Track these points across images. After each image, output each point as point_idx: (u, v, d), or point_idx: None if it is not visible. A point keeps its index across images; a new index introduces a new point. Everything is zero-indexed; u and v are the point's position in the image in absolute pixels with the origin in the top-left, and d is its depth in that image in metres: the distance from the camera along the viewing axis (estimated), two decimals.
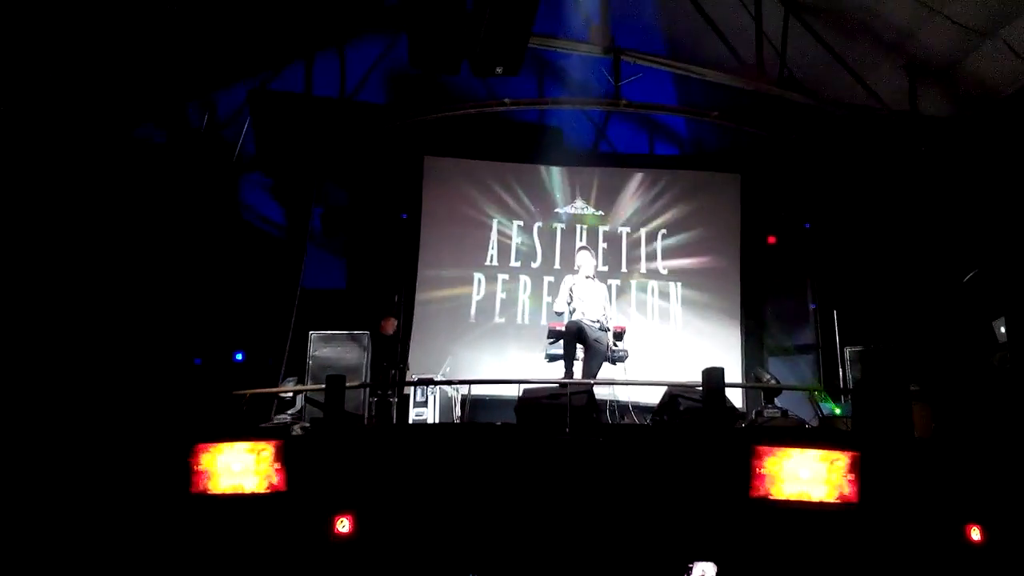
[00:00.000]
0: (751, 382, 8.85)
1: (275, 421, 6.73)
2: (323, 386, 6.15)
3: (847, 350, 7.10)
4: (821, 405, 7.54)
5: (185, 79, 8.31)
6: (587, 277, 7.35)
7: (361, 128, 8.71)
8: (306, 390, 6.86)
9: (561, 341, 7.19)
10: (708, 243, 9.93)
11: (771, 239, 9.98)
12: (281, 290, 8.55)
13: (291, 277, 8.60)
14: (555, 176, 10.04)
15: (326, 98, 8.54)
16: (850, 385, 6.81)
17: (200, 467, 5.60)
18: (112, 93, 7.57)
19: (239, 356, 8.71)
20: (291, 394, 7.10)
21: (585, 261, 7.45)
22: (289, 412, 6.93)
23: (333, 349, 7.09)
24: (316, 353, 7.07)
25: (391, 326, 8.05)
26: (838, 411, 7.36)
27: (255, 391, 6.90)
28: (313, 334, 7.16)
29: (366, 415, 6.95)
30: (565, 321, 7.18)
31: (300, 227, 9.20)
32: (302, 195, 9.26)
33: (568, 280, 7.37)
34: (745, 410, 8.16)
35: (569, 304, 7.20)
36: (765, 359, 9.59)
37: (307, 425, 6.45)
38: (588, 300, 7.21)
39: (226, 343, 8.54)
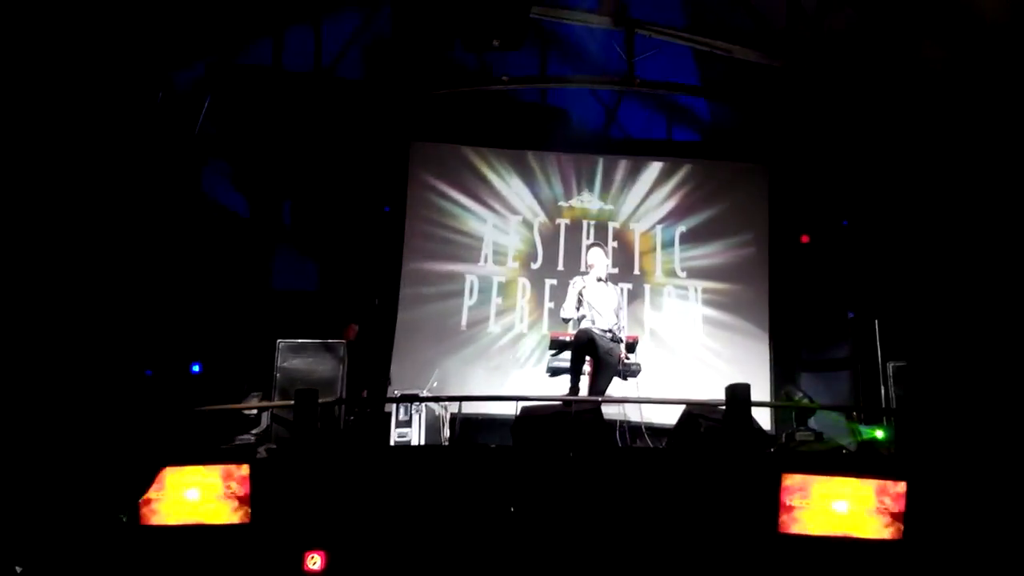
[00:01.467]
0: (781, 400, 8.85)
1: (237, 442, 6.71)
2: (292, 402, 6.15)
3: (889, 365, 7.12)
4: (858, 429, 7.54)
5: (137, 57, 8.28)
6: (599, 279, 7.26)
7: (338, 107, 8.70)
8: (273, 406, 6.85)
9: (565, 352, 7.18)
10: (732, 242, 9.96)
11: (804, 238, 10.01)
12: (245, 292, 8.53)
13: (257, 277, 8.59)
14: (559, 165, 10.06)
15: (298, 72, 8.53)
16: (893, 405, 6.82)
17: (152, 495, 5.60)
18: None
19: (196, 368, 8.70)
20: (255, 411, 7.09)
21: (597, 260, 7.36)
22: (253, 432, 6.91)
23: (304, 360, 7.09)
24: (284, 364, 7.07)
25: (352, 332, 8.10)
26: (880, 435, 7.37)
27: (217, 407, 6.89)
28: (281, 343, 7.15)
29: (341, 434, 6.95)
30: (572, 329, 7.17)
31: (266, 221, 9.20)
32: (269, 184, 9.26)
33: (577, 282, 7.30)
34: (774, 433, 8.18)
35: (578, 310, 7.15)
36: (797, 375, 9.61)
37: (273, 447, 6.44)
38: (600, 306, 7.12)
39: (182, 353, 8.52)
